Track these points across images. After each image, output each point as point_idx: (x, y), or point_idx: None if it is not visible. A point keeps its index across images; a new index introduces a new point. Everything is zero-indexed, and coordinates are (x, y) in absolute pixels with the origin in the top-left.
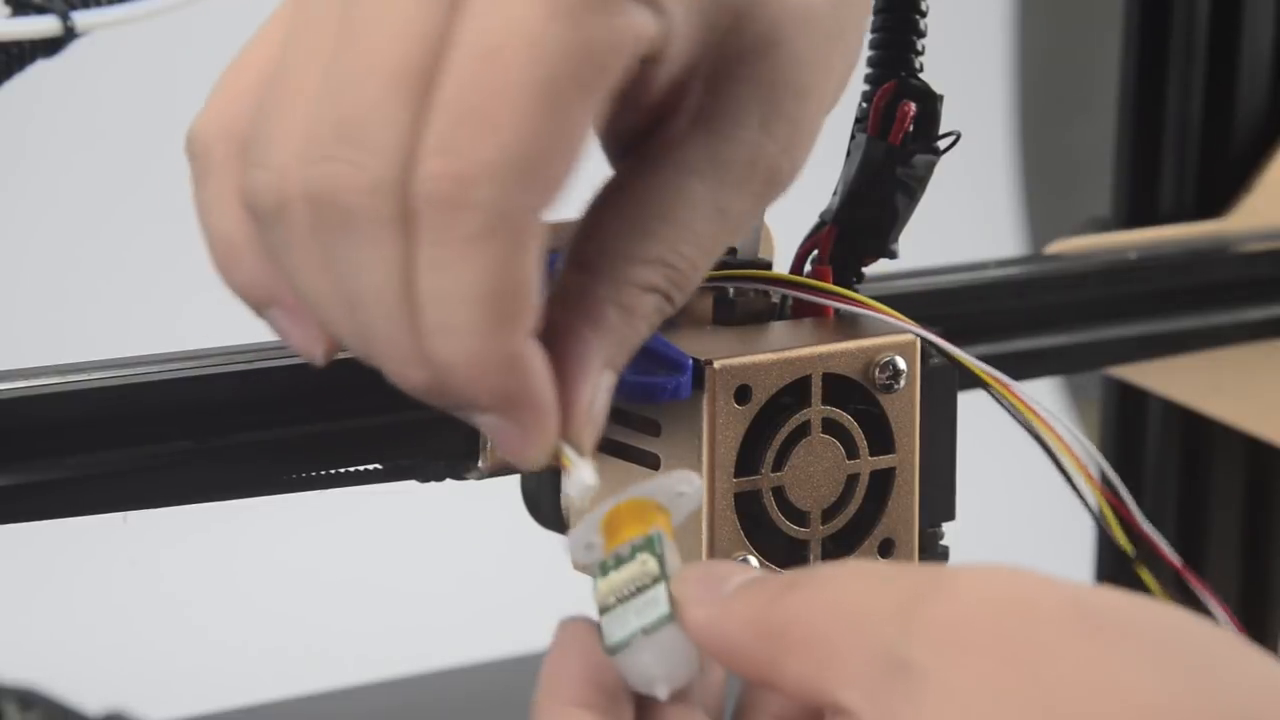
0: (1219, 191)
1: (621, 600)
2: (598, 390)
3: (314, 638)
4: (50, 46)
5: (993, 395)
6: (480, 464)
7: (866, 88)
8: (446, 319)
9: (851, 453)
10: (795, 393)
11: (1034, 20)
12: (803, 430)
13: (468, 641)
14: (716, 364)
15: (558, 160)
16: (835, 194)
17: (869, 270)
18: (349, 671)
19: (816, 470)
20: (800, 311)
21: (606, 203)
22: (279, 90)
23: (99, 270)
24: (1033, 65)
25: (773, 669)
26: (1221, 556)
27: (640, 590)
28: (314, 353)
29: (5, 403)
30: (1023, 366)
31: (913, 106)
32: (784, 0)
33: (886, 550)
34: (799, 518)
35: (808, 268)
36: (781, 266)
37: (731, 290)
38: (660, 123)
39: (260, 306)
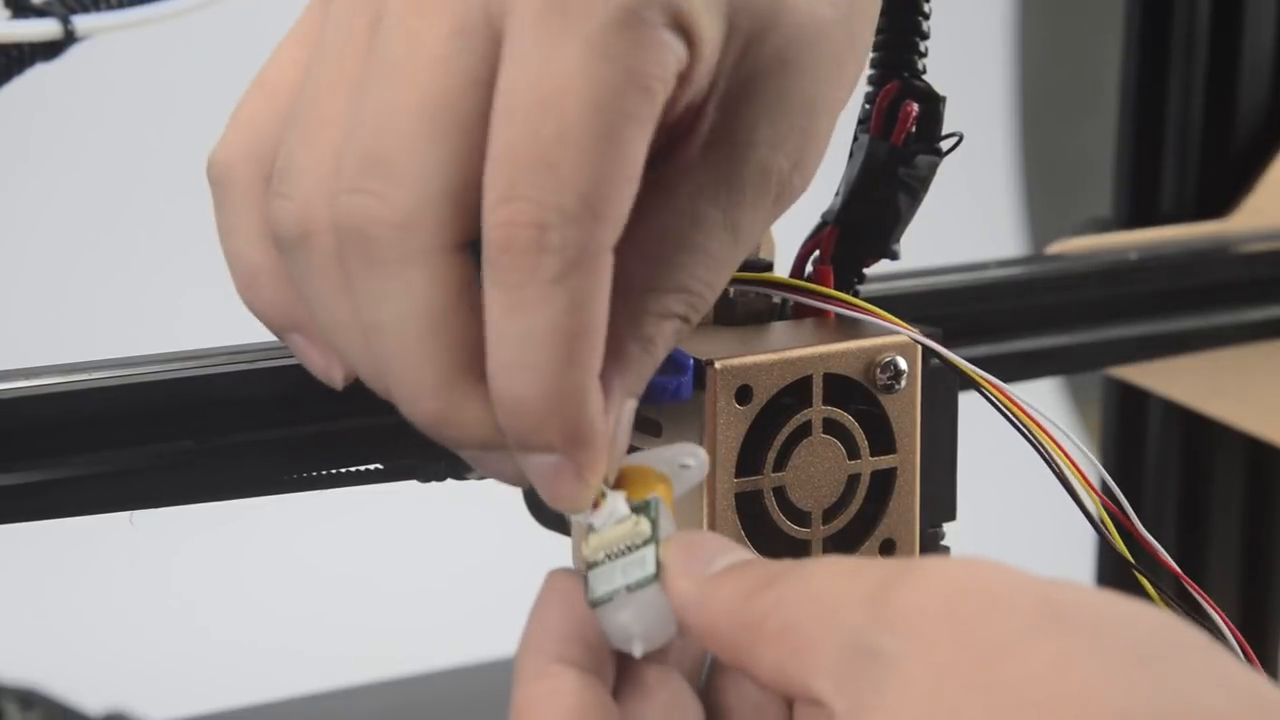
0: (1220, 192)
1: (610, 557)
2: (619, 423)
3: (315, 638)
4: (50, 50)
5: (986, 397)
6: None
7: (869, 89)
8: (522, 358)
9: (852, 453)
10: (796, 393)
11: (1035, 21)
12: (804, 430)
13: (469, 642)
14: (717, 364)
15: (623, 193)
16: (837, 194)
17: (870, 271)
18: (350, 671)
19: (817, 470)
20: (801, 312)
21: (624, 232)
22: (304, 119)
23: (100, 271)
24: (1033, 65)
25: (748, 656)
26: (1222, 557)
27: (630, 550)
28: (333, 377)
29: (7, 402)
30: (1023, 367)
31: (915, 107)
32: (797, 19)
33: (887, 550)
34: (800, 518)
35: (809, 268)
36: (783, 266)
37: (732, 291)
38: (673, 146)
39: (281, 330)
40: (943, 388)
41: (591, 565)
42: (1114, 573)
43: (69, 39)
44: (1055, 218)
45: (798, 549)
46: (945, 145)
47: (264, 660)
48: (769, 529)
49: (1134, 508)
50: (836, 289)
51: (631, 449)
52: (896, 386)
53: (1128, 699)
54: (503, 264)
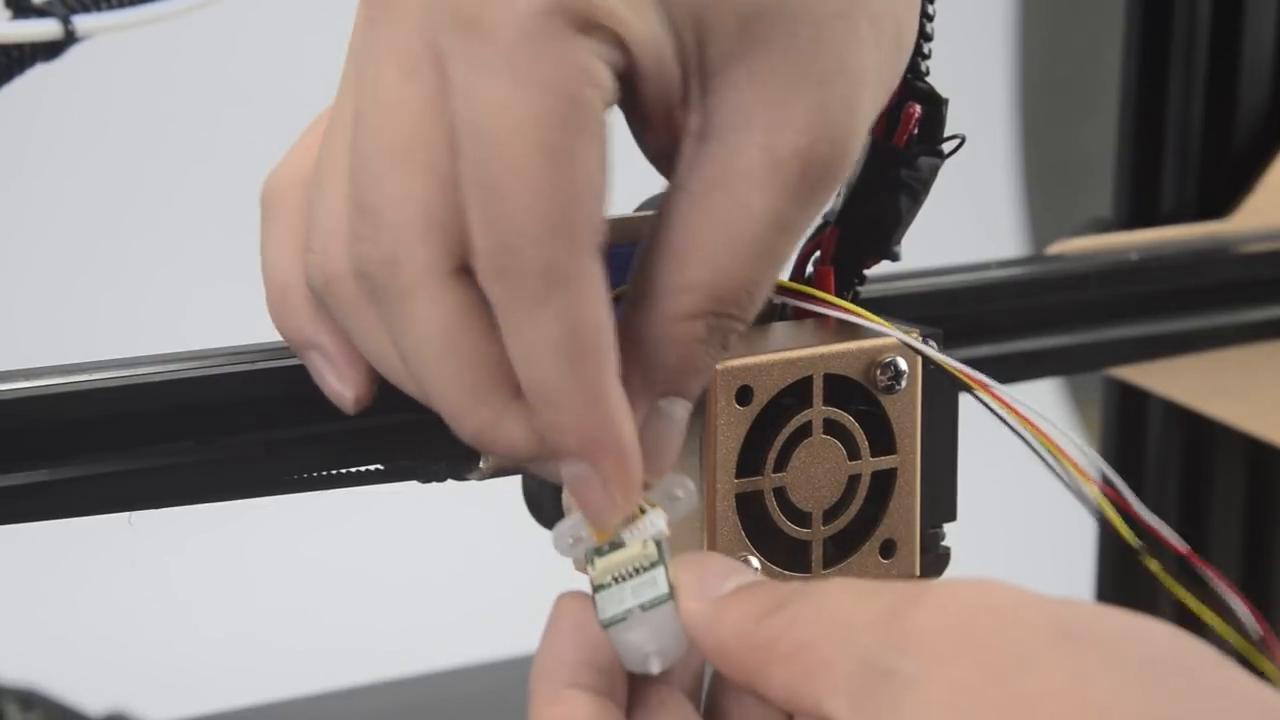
0: (1220, 192)
1: (618, 580)
2: (652, 427)
3: (315, 638)
4: (50, 50)
5: (979, 400)
6: (481, 465)
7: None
8: (538, 374)
9: (853, 453)
10: (797, 393)
11: (1035, 21)
12: (804, 431)
13: (469, 642)
14: (718, 365)
15: (585, 204)
16: (839, 195)
17: (870, 271)
18: (350, 672)
19: (818, 471)
20: (801, 312)
21: (650, 234)
22: (320, 176)
23: (100, 272)
24: (1034, 66)
25: (759, 677)
26: (1223, 558)
27: (639, 571)
28: (344, 399)
29: (9, 403)
30: (1024, 367)
31: (918, 108)
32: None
33: (888, 551)
34: (800, 518)
35: (809, 269)
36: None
37: None
38: (674, 145)
39: (301, 349)
40: (943, 388)
41: (599, 588)
42: (1116, 569)
43: (69, 39)
44: (1056, 218)
45: (798, 549)
46: (947, 147)
47: (264, 661)
48: (769, 530)
49: None
50: (837, 290)
51: None
52: (897, 387)
53: (1145, 713)
54: (492, 292)
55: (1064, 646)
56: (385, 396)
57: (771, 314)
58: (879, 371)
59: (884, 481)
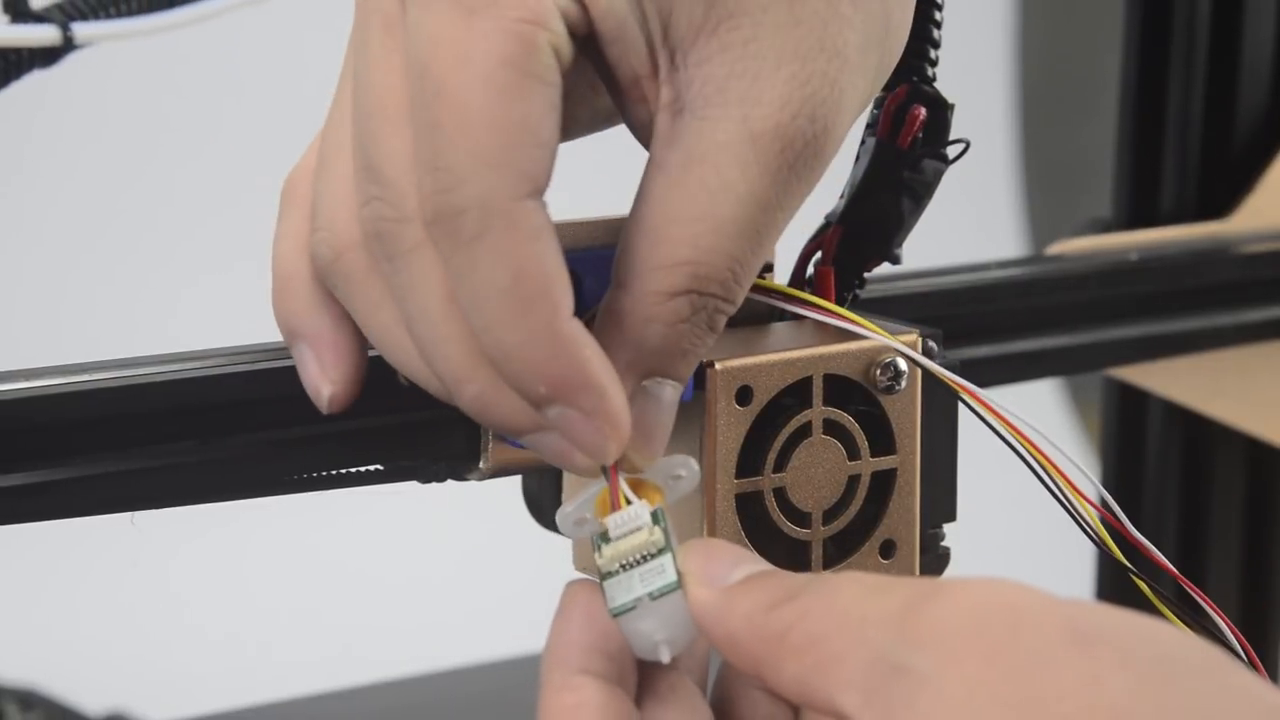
0: (1220, 192)
1: (626, 567)
2: (642, 405)
3: (315, 639)
4: (48, 56)
5: (969, 407)
6: (481, 465)
7: (879, 93)
8: (485, 320)
9: (853, 454)
10: (796, 394)
11: (1035, 21)
12: (804, 431)
13: (469, 643)
14: (718, 365)
15: (523, 144)
16: (842, 196)
17: (870, 272)
18: (350, 672)
19: (818, 471)
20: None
21: (631, 213)
22: (325, 154)
23: (98, 274)
24: (1034, 66)
25: (769, 668)
26: (1223, 558)
27: (646, 558)
28: (321, 395)
29: (9, 404)
30: (1024, 367)
31: (923, 112)
32: None
33: (888, 551)
34: (800, 519)
35: (810, 269)
36: (784, 267)
37: None
38: (651, 120)
39: (292, 337)
40: (943, 389)
41: (606, 575)
42: (1114, 573)
43: (68, 45)
44: (1056, 218)
45: (798, 550)
46: (952, 152)
47: (264, 661)
48: (769, 530)
49: (1135, 509)
50: (837, 291)
51: None
52: (897, 387)
53: (1157, 714)
54: (434, 237)
55: (1077, 647)
56: (385, 397)
57: (771, 314)
58: (879, 372)
59: (884, 482)
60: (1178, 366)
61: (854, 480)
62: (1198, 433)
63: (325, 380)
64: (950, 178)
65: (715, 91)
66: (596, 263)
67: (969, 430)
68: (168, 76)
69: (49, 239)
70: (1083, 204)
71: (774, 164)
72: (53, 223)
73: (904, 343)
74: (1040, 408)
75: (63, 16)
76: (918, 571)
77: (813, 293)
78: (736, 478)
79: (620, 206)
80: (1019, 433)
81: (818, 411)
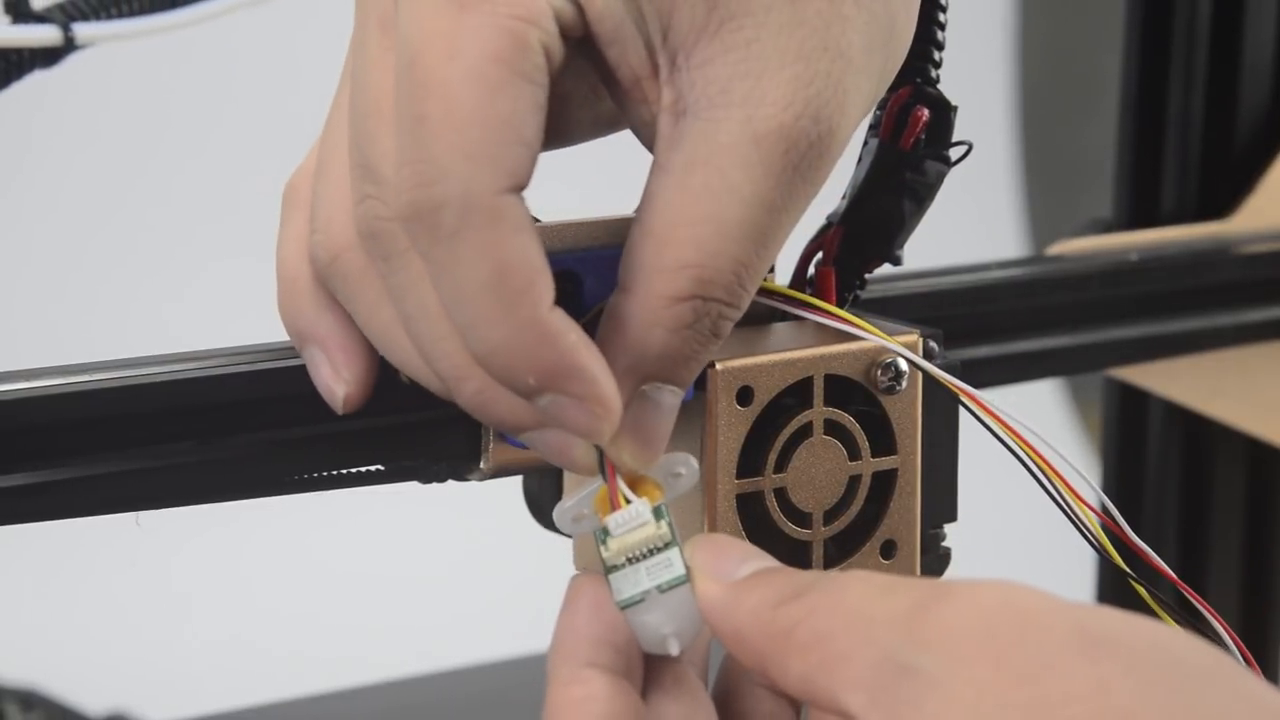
0: (1221, 192)
1: (632, 561)
2: (639, 408)
3: (315, 639)
4: (49, 57)
5: (968, 409)
6: (482, 465)
7: (882, 94)
8: (469, 316)
9: (853, 454)
10: (797, 394)
11: (1035, 21)
12: (805, 432)
13: (469, 643)
14: (718, 366)
15: (507, 142)
16: (844, 197)
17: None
18: (350, 673)
19: (818, 471)
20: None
21: (636, 216)
22: (321, 159)
23: (101, 273)
24: (1033, 66)
25: (775, 665)
26: (1223, 559)
27: (653, 552)
28: (335, 396)
29: (9, 403)
30: (1025, 368)
31: (926, 113)
32: None
33: (888, 552)
34: (801, 519)
35: (811, 270)
36: (786, 266)
37: None
38: (653, 121)
39: (301, 340)
40: (944, 389)
41: (612, 569)
42: (1115, 574)
43: (69, 46)
44: (1056, 219)
45: (799, 550)
46: (954, 154)
47: (264, 661)
48: (770, 530)
49: (1135, 508)
50: (838, 292)
51: None
52: (897, 388)
53: (1165, 719)
54: (414, 234)
55: (1086, 651)
56: (385, 397)
57: (772, 314)
58: (879, 372)
59: (884, 482)
60: (1178, 367)
61: (855, 480)
62: (1198, 433)
63: (339, 381)
64: (950, 178)
65: (718, 93)
66: (597, 263)
67: (970, 430)
68: (168, 77)
69: (49, 239)
70: (1083, 204)
71: (778, 165)
72: (53, 223)
73: (904, 343)
74: (1041, 408)
75: (64, 17)
76: (918, 572)
77: (813, 293)
78: (737, 478)
79: (624, 207)
80: (1017, 435)
81: (818, 412)
